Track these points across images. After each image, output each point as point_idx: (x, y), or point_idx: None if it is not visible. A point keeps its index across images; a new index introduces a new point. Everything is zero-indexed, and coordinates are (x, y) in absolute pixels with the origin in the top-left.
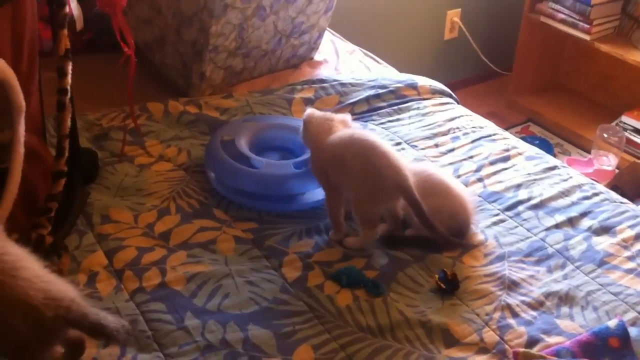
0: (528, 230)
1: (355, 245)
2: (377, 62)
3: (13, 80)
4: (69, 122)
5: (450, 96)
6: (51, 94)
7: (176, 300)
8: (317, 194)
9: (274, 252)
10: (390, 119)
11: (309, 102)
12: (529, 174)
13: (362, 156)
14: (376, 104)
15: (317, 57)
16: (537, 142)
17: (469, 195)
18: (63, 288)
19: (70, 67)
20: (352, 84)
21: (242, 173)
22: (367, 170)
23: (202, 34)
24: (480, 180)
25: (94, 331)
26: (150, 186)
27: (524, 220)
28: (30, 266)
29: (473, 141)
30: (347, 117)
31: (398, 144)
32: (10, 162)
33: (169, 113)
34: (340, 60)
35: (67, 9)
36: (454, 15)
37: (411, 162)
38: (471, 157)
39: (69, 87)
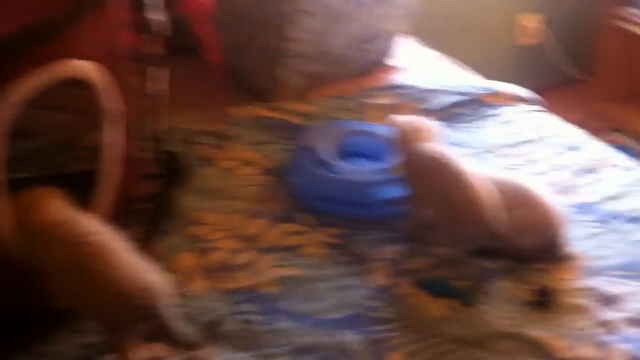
0: (626, 243)
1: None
2: (457, 67)
3: (102, 84)
4: (159, 126)
5: (536, 103)
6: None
7: (266, 303)
8: (403, 200)
9: (362, 258)
10: (472, 126)
11: (387, 108)
12: (623, 184)
13: (444, 187)
14: (457, 110)
15: (394, 62)
16: (624, 151)
17: (558, 206)
18: (154, 279)
19: (161, 72)
20: (431, 90)
21: (325, 179)
22: (446, 204)
23: (278, 39)
24: (569, 190)
25: (162, 332)
26: (237, 190)
27: (621, 233)
28: (120, 250)
29: (560, 150)
30: (436, 124)
31: (479, 152)
32: (104, 165)
33: (251, 118)
34: (418, 65)
35: (155, 15)
36: (529, 21)
37: (496, 172)
38: (558, 166)
39: (159, 92)
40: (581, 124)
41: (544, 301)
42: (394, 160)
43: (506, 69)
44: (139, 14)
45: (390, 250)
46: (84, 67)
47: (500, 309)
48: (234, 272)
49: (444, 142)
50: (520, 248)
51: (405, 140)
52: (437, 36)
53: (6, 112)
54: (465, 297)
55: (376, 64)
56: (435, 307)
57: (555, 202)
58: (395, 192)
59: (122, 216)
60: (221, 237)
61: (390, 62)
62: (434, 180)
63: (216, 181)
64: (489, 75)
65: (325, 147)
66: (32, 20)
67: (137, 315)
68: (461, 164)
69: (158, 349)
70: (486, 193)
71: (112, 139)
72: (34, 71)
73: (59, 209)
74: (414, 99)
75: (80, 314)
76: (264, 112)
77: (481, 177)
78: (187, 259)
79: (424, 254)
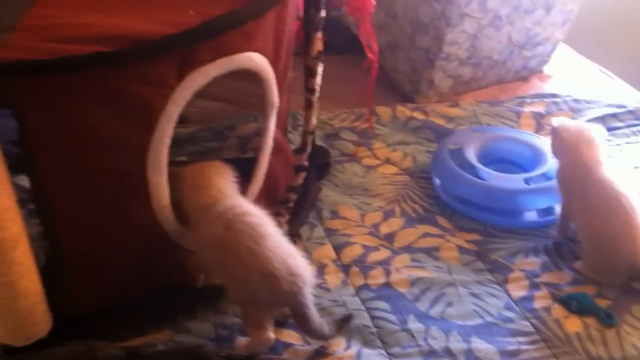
0: None
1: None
2: (614, 79)
3: (271, 78)
4: (314, 120)
5: None
6: (292, 92)
7: (400, 302)
8: (548, 212)
9: (499, 266)
10: (628, 140)
11: (539, 116)
12: None
13: (604, 213)
14: (612, 123)
15: (548, 70)
16: None
17: None
18: (302, 266)
19: (320, 68)
20: (586, 101)
21: (470, 183)
22: (602, 231)
23: (436, 41)
24: None
25: (299, 319)
26: (377, 187)
27: None
28: (274, 233)
29: None
30: (601, 130)
31: (632, 167)
32: (259, 153)
33: (396, 118)
34: (574, 74)
35: (323, 13)
36: None
37: None
38: None
39: (317, 87)
40: None
41: None
42: (541, 169)
43: None
44: (310, 10)
45: (530, 262)
46: (257, 60)
47: None
48: (369, 268)
49: (605, 151)
50: None
51: (567, 146)
52: (595, 45)
53: (184, 97)
54: (606, 316)
55: (531, 71)
56: (573, 324)
57: None
58: (540, 203)
59: (270, 204)
60: (359, 232)
61: (545, 69)
62: (588, 197)
63: (358, 178)
64: None
65: (471, 152)
66: (218, 11)
67: (282, 299)
68: (623, 188)
69: (289, 335)
70: None
71: (270, 131)
72: (215, 60)
73: (221, 186)
74: (568, 109)
75: (224, 293)
76: (412, 113)
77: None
78: (324, 251)
79: (566, 267)
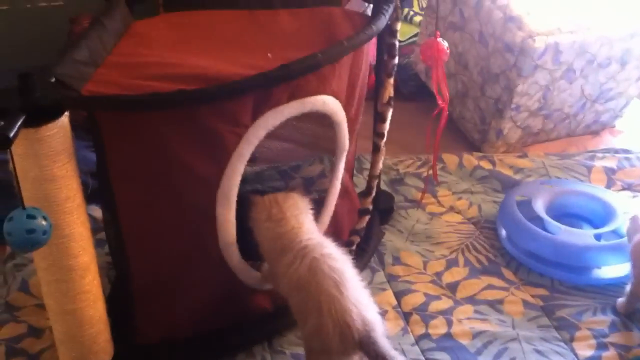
0: None
1: None
2: None
3: (343, 122)
4: (380, 165)
5: None
6: (360, 136)
7: (461, 354)
8: (617, 269)
9: (565, 324)
10: None
11: (610, 171)
12: None
13: None
14: None
15: (621, 125)
16: None
17: None
18: (374, 316)
19: (390, 114)
20: None
21: (538, 236)
22: None
23: (507, 92)
24: None
25: None
26: (440, 235)
27: None
28: (354, 279)
29: None
30: None
31: None
32: (327, 195)
33: (462, 166)
34: None
35: (396, 60)
36: None
37: None
38: None
39: (385, 132)
40: None
41: None
42: (612, 226)
43: None
44: (384, 57)
45: (598, 320)
46: (330, 103)
47: None
48: (430, 317)
49: None
50: None
51: None
52: None
53: (258, 136)
54: None
55: (603, 125)
56: None
57: None
58: (610, 261)
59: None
60: (420, 280)
61: (618, 124)
62: None
63: (422, 224)
64: None
65: (539, 204)
66: (296, 55)
67: (352, 350)
68: None
69: None
70: None
71: (339, 174)
72: (290, 101)
73: (299, 218)
74: (637, 166)
75: (281, 333)
76: (479, 162)
77: None
78: (385, 297)
79: (636, 329)
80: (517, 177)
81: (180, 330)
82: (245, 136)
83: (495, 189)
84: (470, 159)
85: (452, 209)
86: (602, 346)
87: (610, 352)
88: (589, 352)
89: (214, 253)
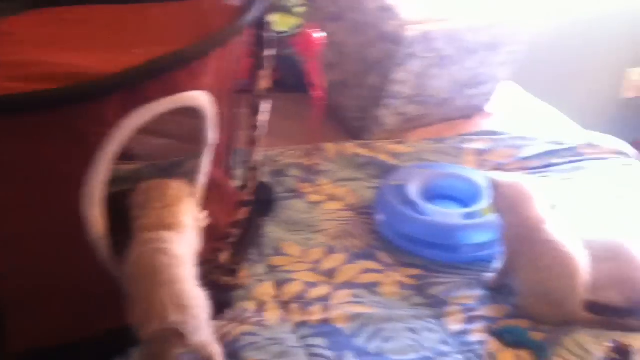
0: None
1: None
2: (557, 116)
3: (212, 116)
4: (257, 156)
5: (635, 157)
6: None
7: (338, 338)
8: (486, 246)
9: (437, 301)
10: (567, 177)
11: (481, 153)
12: None
13: (554, 274)
14: (552, 160)
15: (492, 108)
16: None
17: None
18: (192, 309)
19: (266, 106)
20: (527, 138)
21: (410, 219)
22: (549, 289)
23: (383, 80)
24: None
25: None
26: (320, 223)
27: None
28: (177, 275)
29: None
30: (535, 182)
31: (572, 204)
32: (197, 190)
33: (342, 154)
34: (517, 112)
35: (269, 52)
36: (635, 74)
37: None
38: None
39: (260, 124)
40: None
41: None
42: (479, 205)
43: (608, 121)
44: (256, 49)
45: (468, 295)
46: (200, 97)
47: None
48: (308, 305)
49: (546, 205)
50: (606, 304)
51: (503, 202)
52: (540, 84)
53: (124, 135)
54: (539, 349)
55: (476, 109)
56: (508, 357)
57: None
58: (479, 237)
59: (209, 240)
60: (300, 269)
61: (490, 107)
62: (538, 257)
63: (302, 214)
64: (591, 127)
65: (413, 188)
66: (164, 51)
67: (168, 335)
68: (569, 247)
69: None
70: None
71: (204, 168)
72: (159, 99)
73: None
74: (509, 146)
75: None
76: (357, 150)
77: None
78: (264, 288)
79: (503, 301)
80: (395, 162)
81: (60, 335)
82: (111, 135)
83: (374, 176)
84: (350, 147)
85: (332, 197)
86: (470, 320)
87: (478, 325)
88: (458, 327)
89: (85, 253)
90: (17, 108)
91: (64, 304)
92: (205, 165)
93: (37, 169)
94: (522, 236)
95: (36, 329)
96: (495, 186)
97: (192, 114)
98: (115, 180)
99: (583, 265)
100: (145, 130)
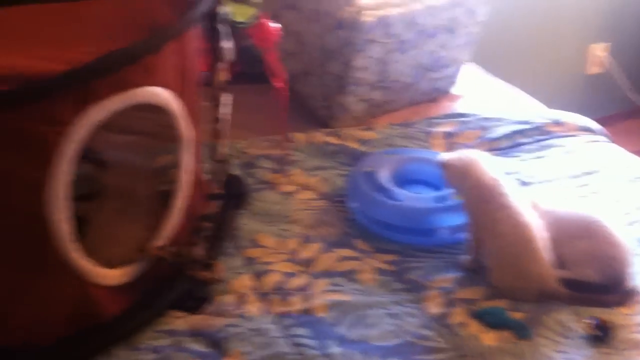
0: None
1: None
2: (522, 96)
3: (178, 111)
4: (224, 149)
5: (601, 134)
6: (208, 122)
7: (320, 327)
8: (460, 228)
9: (416, 285)
10: (534, 155)
11: (449, 136)
12: None
13: (511, 240)
14: (519, 140)
15: (457, 90)
16: None
17: (623, 239)
18: None
19: (226, 98)
20: (494, 119)
21: (383, 205)
22: (510, 257)
23: (344, 67)
24: (634, 223)
25: None
26: (294, 213)
27: None
28: None
29: (623, 181)
30: (485, 155)
31: (541, 183)
32: (177, 187)
33: (311, 143)
34: (481, 94)
35: (226, 44)
36: (598, 50)
37: (559, 204)
38: (622, 198)
39: (223, 116)
40: None
41: (602, 336)
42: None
43: (573, 98)
44: (211, 42)
45: (446, 278)
46: (160, 93)
47: (556, 343)
48: (288, 295)
49: (498, 173)
50: (582, 281)
51: (455, 178)
52: (503, 64)
53: (81, 134)
54: (520, 328)
55: (441, 92)
56: (489, 338)
57: (620, 235)
58: (453, 220)
59: (188, 235)
60: (277, 260)
61: (454, 90)
62: (495, 223)
63: (275, 205)
64: (556, 105)
65: (384, 174)
66: (114, 46)
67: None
68: (525, 213)
69: None
70: (542, 242)
71: (186, 163)
72: (113, 95)
73: None
74: (476, 128)
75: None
76: (326, 138)
77: (537, 217)
78: (243, 281)
79: (481, 283)
80: (364, 149)
81: (31, 338)
82: (67, 134)
83: (344, 163)
84: (319, 136)
85: (304, 186)
86: (450, 303)
87: (458, 308)
88: (439, 310)
89: (52, 255)
90: None
91: (39, 306)
92: (188, 161)
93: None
94: (480, 205)
95: (8, 334)
96: (443, 164)
97: (158, 110)
98: (80, 181)
99: (539, 232)
100: (109, 128)
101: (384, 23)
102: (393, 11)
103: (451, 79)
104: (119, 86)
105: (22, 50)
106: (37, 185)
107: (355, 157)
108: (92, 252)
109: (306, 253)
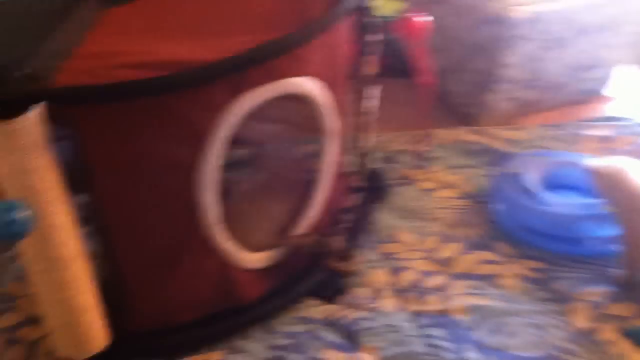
0: None
1: None
2: None
3: (326, 102)
4: (368, 142)
5: None
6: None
7: (457, 330)
8: (611, 240)
9: (562, 296)
10: None
11: (602, 140)
12: None
13: None
14: None
15: (612, 92)
16: None
17: None
18: None
19: (374, 91)
20: None
21: (530, 210)
22: None
23: (494, 64)
24: None
25: None
26: (434, 211)
27: None
28: None
29: None
30: (636, 162)
31: None
32: (320, 176)
33: (455, 140)
34: (637, 97)
35: (375, 37)
36: None
37: None
38: None
39: (370, 110)
40: None
41: None
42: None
43: None
44: (360, 35)
45: (595, 292)
46: (308, 84)
47: None
48: (425, 294)
49: None
50: None
51: (606, 187)
52: None
53: (234, 120)
54: None
55: (593, 94)
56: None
57: None
58: (604, 230)
59: (327, 225)
60: (414, 257)
61: (608, 92)
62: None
63: (414, 201)
64: None
65: (531, 177)
66: (268, 37)
67: None
68: None
69: None
70: None
71: (330, 154)
72: (265, 84)
73: None
74: (631, 133)
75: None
76: (469, 136)
77: None
78: (379, 275)
79: (634, 299)
80: (510, 149)
81: (175, 315)
82: (220, 120)
83: (489, 163)
84: (463, 134)
85: (445, 184)
86: (599, 317)
87: (608, 324)
88: (586, 324)
89: (200, 236)
90: (132, 94)
91: (183, 285)
92: (332, 152)
93: (154, 156)
94: (635, 217)
95: (157, 310)
96: (592, 172)
97: (305, 100)
98: (229, 165)
99: None
100: (255, 117)
101: (535, 19)
102: (547, 7)
103: (604, 81)
104: (271, 76)
105: (182, 39)
106: (190, 168)
107: (500, 158)
108: (235, 236)
109: (445, 252)
